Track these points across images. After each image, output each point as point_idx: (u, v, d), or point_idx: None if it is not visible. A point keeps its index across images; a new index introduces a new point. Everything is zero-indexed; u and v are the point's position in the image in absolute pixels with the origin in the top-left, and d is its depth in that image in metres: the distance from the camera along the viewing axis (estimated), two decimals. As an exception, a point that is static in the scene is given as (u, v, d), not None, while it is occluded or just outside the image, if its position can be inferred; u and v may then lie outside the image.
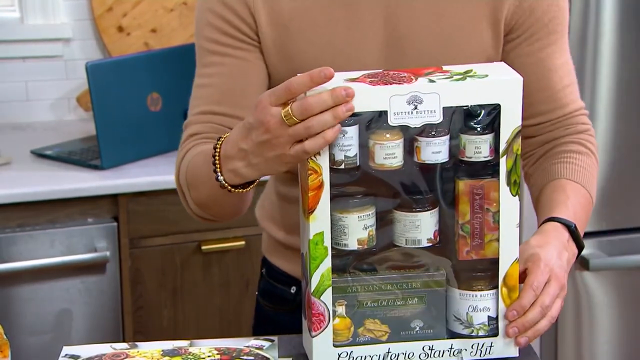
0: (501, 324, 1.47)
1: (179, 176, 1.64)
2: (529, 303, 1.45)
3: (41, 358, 2.53)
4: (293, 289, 1.80)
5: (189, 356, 1.49)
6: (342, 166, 1.42)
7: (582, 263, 2.68)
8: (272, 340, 1.53)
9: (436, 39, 1.61)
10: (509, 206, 1.44)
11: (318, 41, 1.61)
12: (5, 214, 2.59)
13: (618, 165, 2.66)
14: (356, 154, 1.42)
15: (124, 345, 1.54)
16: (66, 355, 1.50)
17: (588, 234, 2.69)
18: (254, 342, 1.53)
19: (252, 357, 1.48)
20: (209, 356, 1.49)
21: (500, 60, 1.65)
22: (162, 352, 1.50)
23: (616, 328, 2.75)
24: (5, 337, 1.40)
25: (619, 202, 2.69)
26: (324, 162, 1.40)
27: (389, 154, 1.43)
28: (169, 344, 1.53)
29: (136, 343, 1.54)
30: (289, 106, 1.38)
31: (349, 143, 1.42)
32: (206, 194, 1.57)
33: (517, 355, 1.48)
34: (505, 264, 1.46)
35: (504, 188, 1.43)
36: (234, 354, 1.49)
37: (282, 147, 1.40)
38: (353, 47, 1.61)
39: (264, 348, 1.51)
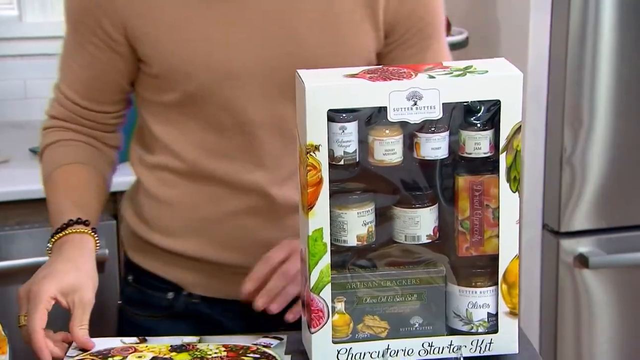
0: (501, 320, 1.47)
1: (41, 167, 1.72)
2: (261, 273, 1.55)
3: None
4: (170, 295, 1.75)
5: (196, 352, 1.49)
6: (342, 162, 1.42)
7: (581, 261, 2.68)
8: (280, 339, 1.53)
9: (322, 38, 1.59)
10: (509, 202, 1.44)
11: (193, 37, 1.58)
12: (4, 212, 2.58)
13: (617, 163, 2.65)
14: (355, 150, 1.42)
15: (134, 339, 1.53)
16: (75, 348, 1.50)
17: (587, 232, 2.69)
18: (262, 340, 1.53)
19: (258, 355, 1.48)
20: (215, 353, 1.48)
21: (379, 63, 1.66)
22: (170, 348, 1.50)
23: (616, 326, 2.75)
24: (3, 333, 1.40)
25: (618, 200, 2.69)
26: (323, 158, 1.40)
27: (388, 150, 1.42)
28: (177, 339, 1.52)
29: (146, 337, 1.53)
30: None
31: (348, 139, 1.41)
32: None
33: (517, 351, 1.48)
34: (505, 261, 1.45)
35: (503, 184, 1.43)
36: (240, 352, 1.49)
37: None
38: (231, 44, 1.58)
39: (271, 346, 1.51)
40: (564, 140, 2.62)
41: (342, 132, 1.41)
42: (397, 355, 1.46)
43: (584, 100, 2.59)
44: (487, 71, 1.41)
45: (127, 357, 1.47)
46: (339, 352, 1.45)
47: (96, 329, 1.58)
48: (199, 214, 1.67)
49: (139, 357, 1.47)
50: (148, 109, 1.69)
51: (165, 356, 1.48)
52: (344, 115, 1.40)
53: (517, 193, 1.43)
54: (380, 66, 1.45)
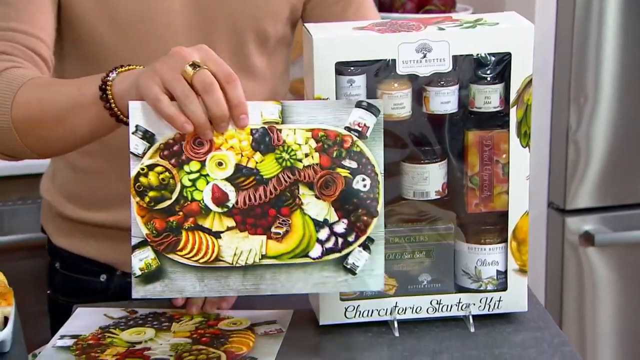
0: (510, 278, 1.45)
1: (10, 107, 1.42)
2: None
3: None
4: (103, 277, 1.68)
5: (283, 154, 1.31)
6: (350, 116, 1.40)
7: (587, 239, 2.66)
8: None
9: None
10: (519, 158, 1.42)
11: None
12: (6, 186, 2.56)
13: (622, 140, 2.63)
14: (364, 104, 1.40)
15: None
16: (137, 128, 1.29)
17: (593, 210, 2.67)
18: (356, 115, 1.32)
19: (355, 163, 1.31)
20: (306, 154, 1.31)
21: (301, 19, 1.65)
22: (252, 142, 1.30)
23: (620, 304, 2.73)
24: (9, 286, 1.38)
25: (623, 178, 2.67)
26: (331, 112, 1.38)
27: (397, 104, 1.40)
28: (256, 109, 1.30)
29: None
30: (202, 68, 1.26)
31: (357, 92, 1.39)
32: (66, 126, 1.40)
33: (527, 309, 1.46)
34: (515, 217, 1.43)
35: (514, 139, 1.41)
36: (334, 154, 1.31)
37: (169, 71, 1.26)
38: None
39: (367, 128, 1.32)
40: (570, 118, 2.60)
41: (350, 86, 1.39)
42: (405, 312, 1.44)
43: (588, 76, 2.58)
44: (497, 23, 1.39)
45: (204, 160, 1.30)
46: (346, 310, 1.43)
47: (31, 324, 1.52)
48: (122, 180, 1.49)
49: (220, 164, 1.30)
50: (68, 70, 1.63)
51: (250, 166, 1.30)
52: (352, 68, 1.38)
53: (527, 148, 1.42)
54: (388, 20, 1.43)
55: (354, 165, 1.32)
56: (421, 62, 1.38)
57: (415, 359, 1.37)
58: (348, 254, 1.32)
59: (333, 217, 1.32)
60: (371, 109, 1.31)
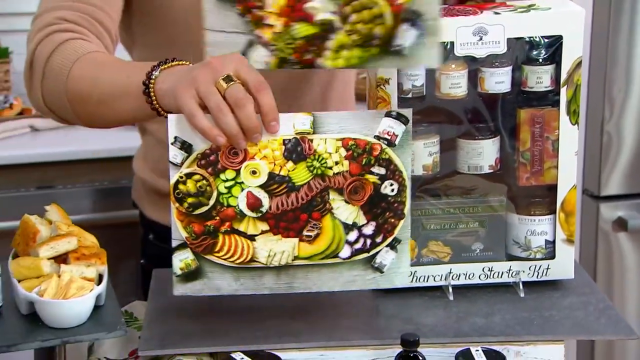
0: (558, 247, 1.54)
1: (66, 52, 1.50)
2: None
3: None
4: None
5: (314, 162, 1.38)
6: (410, 95, 1.50)
7: (620, 224, 2.73)
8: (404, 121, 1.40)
9: None
10: (569, 134, 1.51)
11: None
12: (75, 169, 2.66)
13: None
14: (423, 84, 1.50)
15: None
16: (176, 139, 1.37)
17: (626, 196, 2.74)
18: (385, 124, 1.39)
19: (384, 170, 1.39)
20: (336, 163, 1.38)
21: None
22: (284, 152, 1.37)
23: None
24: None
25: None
26: (392, 90, 1.48)
27: (454, 83, 1.50)
28: (288, 121, 1.36)
29: None
30: (235, 82, 1.31)
31: (417, 73, 1.49)
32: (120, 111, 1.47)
33: (573, 277, 1.56)
34: (564, 190, 1.53)
35: (563, 117, 1.51)
36: (364, 162, 1.38)
37: (203, 83, 1.31)
38: None
39: (396, 137, 1.39)
40: (605, 106, 2.67)
41: (412, 66, 1.48)
42: (459, 278, 1.54)
43: (620, 60, 2.64)
44: (549, 8, 1.49)
45: (239, 169, 1.37)
46: (404, 275, 1.53)
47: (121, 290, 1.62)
48: None
49: (254, 172, 1.37)
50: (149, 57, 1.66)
51: (282, 174, 1.37)
52: (413, 49, 1.48)
53: (576, 125, 1.51)
54: (447, 6, 1.53)
55: (382, 171, 1.40)
56: (477, 44, 1.48)
57: (470, 319, 1.47)
58: (376, 254, 1.42)
59: (362, 220, 1.41)
60: (400, 118, 1.39)
